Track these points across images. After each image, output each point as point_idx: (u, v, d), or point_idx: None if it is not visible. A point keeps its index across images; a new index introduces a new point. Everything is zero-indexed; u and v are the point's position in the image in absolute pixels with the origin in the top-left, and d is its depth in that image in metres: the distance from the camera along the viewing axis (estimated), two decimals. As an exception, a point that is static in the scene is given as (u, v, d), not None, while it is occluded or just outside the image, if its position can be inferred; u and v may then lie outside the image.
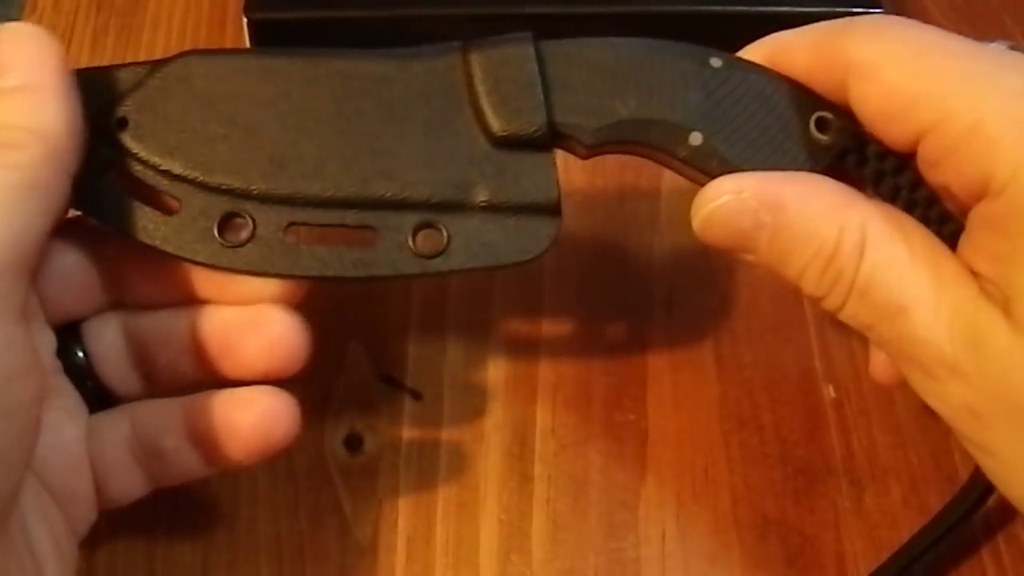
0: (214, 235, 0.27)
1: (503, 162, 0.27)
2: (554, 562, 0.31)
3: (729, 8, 0.38)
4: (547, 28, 0.38)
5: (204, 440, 0.27)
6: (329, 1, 0.38)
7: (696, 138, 0.27)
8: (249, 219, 0.27)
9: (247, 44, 0.38)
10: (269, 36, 0.38)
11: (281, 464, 0.33)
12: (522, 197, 0.27)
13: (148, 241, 0.27)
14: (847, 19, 0.27)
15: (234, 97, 0.27)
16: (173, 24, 0.44)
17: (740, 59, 0.28)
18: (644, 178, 0.30)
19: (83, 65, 0.27)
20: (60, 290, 0.27)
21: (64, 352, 0.28)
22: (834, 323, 0.35)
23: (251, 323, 0.28)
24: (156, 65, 0.27)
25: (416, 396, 0.34)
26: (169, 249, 0.27)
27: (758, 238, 0.26)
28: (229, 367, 0.28)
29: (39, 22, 0.43)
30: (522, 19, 0.38)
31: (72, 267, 0.28)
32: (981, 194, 0.24)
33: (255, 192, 0.27)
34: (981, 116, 0.24)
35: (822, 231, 0.26)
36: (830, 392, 0.35)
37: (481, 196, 0.27)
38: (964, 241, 0.26)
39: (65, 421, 0.27)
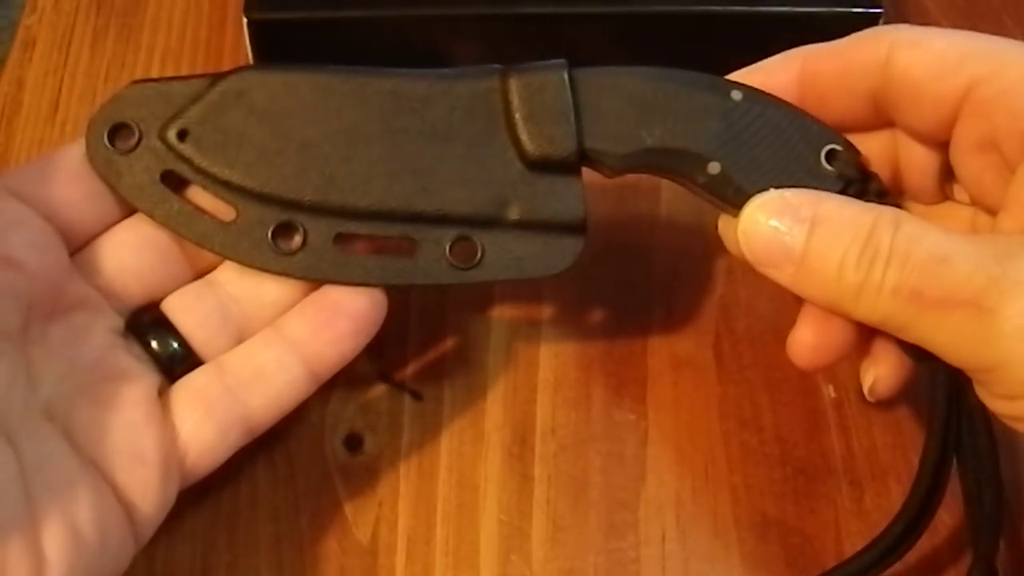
0: (268, 243, 0.29)
1: (535, 182, 0.29)
2: (554, 562, 0.31)
3: (729, 8, 0.38)
4: (547, 28, 0.38)
5: (305, 345, 0.29)
6: (329, 1, 0.38)
7: (714, 167, 0.29)
8: (301, 229, 0.29)
9: (247, 44, 0.38)
10: (269, 36, 0.38)
11: (281, 464, 0.33)
12: (552, 215, 0.29)
13: (206, 246, 0.29)
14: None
15: (289, 113, 0.29)
16: (173, 24, 0.44)
17: (759, 92, 0.29)
18: (644, 178, 0.30)
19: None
20: (130, 276, 0.29)
21: (142, 331, 0.29)
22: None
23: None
24: (215, 79, 0.29)
25: (416, 396, 0.34)
26: (226, 254, 0.29)
27: (798, 236, 0.27)
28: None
29: (39, 22, 0.44)
30: (522, 19, 0.38)
31: (141, 253, 0.29)
32: None
33: (307, 203, 0.29)
34: None
35: (859, 219, 0.26)
36: (830, 392, 0.35)
37: (514, 213, 0.29)
38: (1010, 197, 0.27)
39: (126, 393, 0.27)
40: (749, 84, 0.29)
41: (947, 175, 0.30)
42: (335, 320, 0.29)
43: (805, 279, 0.27)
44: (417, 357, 0.35)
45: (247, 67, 0.29)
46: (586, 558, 0.32)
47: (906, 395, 0.34)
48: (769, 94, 0.29)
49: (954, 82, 0.27)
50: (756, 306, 0.36)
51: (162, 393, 0.28)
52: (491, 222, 0.29)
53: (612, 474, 0.33)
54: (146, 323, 0.29)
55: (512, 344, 0.36)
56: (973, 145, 0.28)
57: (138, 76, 0.42)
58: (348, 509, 0.32)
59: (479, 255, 0.29)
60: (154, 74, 0.42)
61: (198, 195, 0.29)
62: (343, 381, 0.34)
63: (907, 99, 0.28)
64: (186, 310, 0.29)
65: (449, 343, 0.35)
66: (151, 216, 0.29)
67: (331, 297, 0.29)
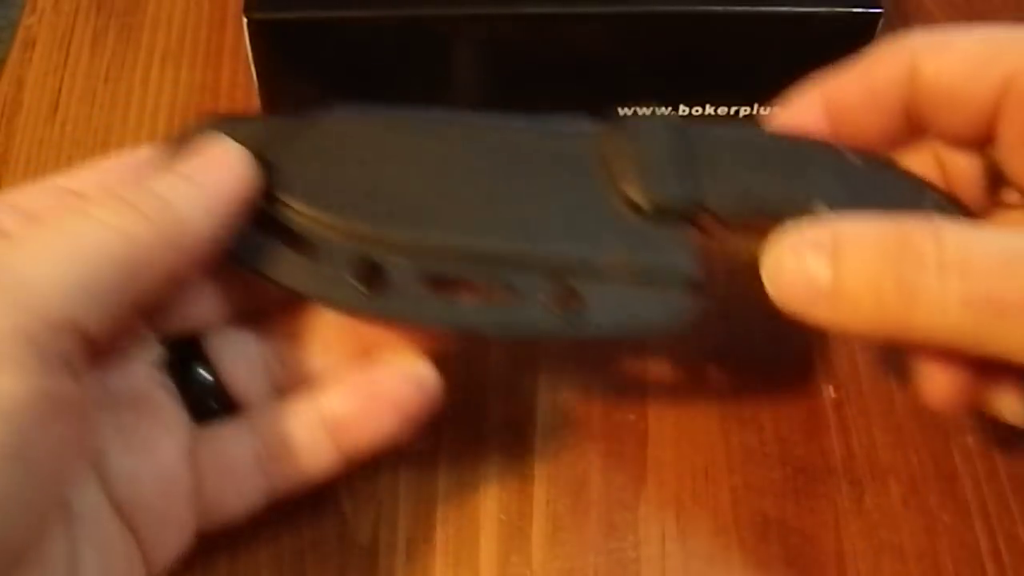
0: (352, 282, 0.27)
1: (645, 233, 0.28)
2: (554, 562, 0.31)
3: (729, 8, 0.37)
4: (547, 28, 0.38)
5: (342, 427, 0.27)
6: (329, 1, 0.38)
7: (820, 207, 0.27)
8: (388, 268, 0.27)
9: (247, 44, 0.38)
10: (269, 36, 0.38)
11: (281, 464, 0.33)
12: (662, 267, 0.28)
13: (288, 284, 0.27)
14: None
15: (382, 156, 0.28)
16: (173, 24, 0.44)
17: (876, 156, 0.29)
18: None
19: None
20: (174, 304, 0.27)
21: (177, 366, 0.28)
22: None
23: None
24: (308, 119, 0.28)
25: (416, 396, 0.34)
26: (308, 293, 0.28)
27: (822, 267, 0.25)
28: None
29: (39, 22, 0.44)
30: (522, 19, 0.38)
31: (189, 285, 0.27)
32: None
33: (394, 242, 0.27)
34: None
35: (882, 233, 0.24)
36: (830, 392, 0.35)
37: (621, 263, 0.27)
38: None
39: (161, 435, 0.26)
40: (776, 131, 0.29)
41: (994, 180, 0.29)
42: (377, 404, 0.28)
43: (842, 311, 0.25)
44: (417, 357, 0.35)
45: (343, 107, 0.29)
46: (586, 558, 0.32)
47: (906, 395, 0.34)
48: (885, 158, 0.29)
49: (989, 79, 0.26)
50: (756, 306, 0.36)
51: (192, 440, 0.27)
52: (595, 272, 0.27)
53: (612, 474, 0.33)
54: (186, 355, 0.28)
55: (512, 344, 0.35)
56: (1021, 138, 0.26)
57: (138, 76, 0.42)
58: (348, 509, 0.32)
59: (583, 307, 0.27)
60: (154, 74, 0.42)
61: (283, 232, 0.28)
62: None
63: (941, 105, 0.27)
64: (226, 350, 0.28)
65: (449, 343, 0.35)
66: (230, 252, 0.27)
67: (376, 377, 0.28)
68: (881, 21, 0.37)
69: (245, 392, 0.29)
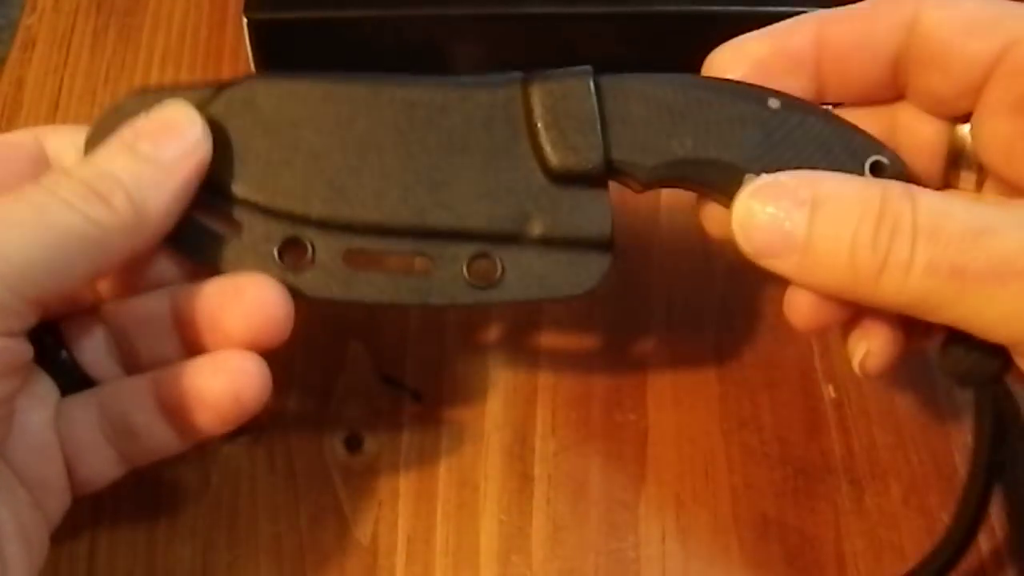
0: (275, 259, 0.27)
1: (559, 196, 0.28)
2: (554, 562, 0.31)
3: (729, 8, 0.37)
4: (547, 28, 0.38)
5: (175, 412, 0.27)
6: (329, 1, 0.38)
7: (750, 179, 0.27)
8: (309, 245, 0.28)
9: (247, 44, 0.38)
10: (269, 36, 0.38)
11: (281, 464, 0.33)
12: (576, 232, 0.28)
13: (210, 263, 0.27)
14: None
15: (297, 122, 0.28)
16: (173, 24, 0.44)
17: (798, 100, 0.28)
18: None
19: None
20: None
21: (41, 344, 0.28)
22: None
23: (232, 290, 0.27)
24: (220, 87, 0.28)
25: (416, 396, 0.34)
26: (230, 271, 0.27)
27: (799, 220, 0.25)
28: (212, 341, 0.28)
29: (39, 22, 0.44)
30: (522, 19, 0.38)
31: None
32: None
33: (316, 218, 0.27)
34: None
35: (865, 194, 0.25)
36: (830, 392, 0.35)
37: (536, 229, 0.28)
38: None
39: (34, 406, 0.27)
40: (761, 50, 0.28)
41: (953, 159, 0.29)
42: (206, 394, 0.27)
43: (812, 266, 0.25)
44: (417, 357, 0.35)
45: (253, 75, 0.28)
46: (586, 558, 0.32)
47: (906, 395, 0.34)
48: (809, 103, 0.28)
49: (989, 41, 0.26)
50: (756, 306, 0.36)
51: (57, 412, 0.28)
52: (511, 238, 0.28)
53: (612, 474, 0.33)
54: (45, 334, 0.28)
55: (512, 344, 0.36)
56: (1006, 108, 0.26)
57: (138, 76, 0.42)
58: (348, 509, 0.32)
59: (499, 273, 0.28)
60: (154, 74, 0.42)
61: (200, 209, 0.28)
62: (343, 381, 0.34)
63: (934, 59, 0.27)
64: (83, 332, 0.29)
65: (449, 343, 0.35)
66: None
67: (205, 369, 0.27)
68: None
69: (97, 371, 0.29)
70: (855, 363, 0.28)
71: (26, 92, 0.41)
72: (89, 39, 0.43)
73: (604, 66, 0.28)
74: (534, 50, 0.39)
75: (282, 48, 0.38)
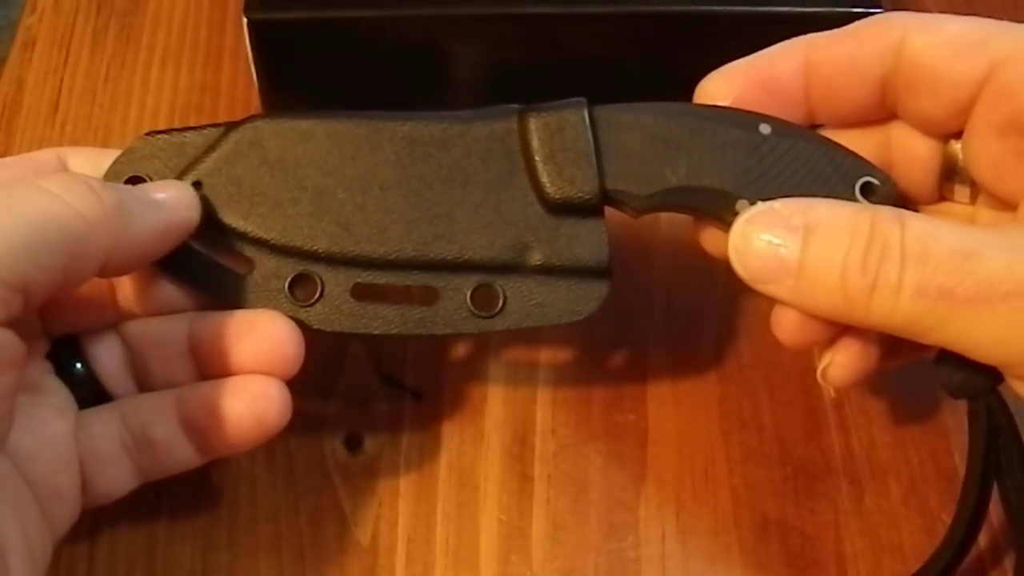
0: (286, 294, 0.28)
1: (557, 226, 0.29)
2: (554, 562, 0.31)
3: (729, 8, 0.37)
4: (547, 28, 0.38)
5: (196, 429, 0.28)
6: (329, 1, 0.38)
7: (743, 205, 0.28)
8: (318, 280, 0.29)
9: (247, 44, 0.38)
10: (269, 36, 0.38)
11: (281, 464, 0.33)
12: (574, 260, 0.29)
13: (223, 299, 0.29)
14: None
15: (303, 161, 0.29)
16: (173, 24, 0.44)
17: (789, 124, 0.28)
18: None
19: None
20: (61, 310, 0.28)
21: (60, 359, 0.29)
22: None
23: (246, 325, 0.28)
24: (228, 128, 0.29)
25: (416, 396, 0.34)
26: (243, 307, 0.28)
27: (793, 246, 0.26)
28: (224, 370, 0.28)
29: (39, 22, 0.44)
30: (522, 19, 0.38)
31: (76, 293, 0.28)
32: None
33: (324, 254, 0.28)
34: None
35: (855, 219, 0.25)
36: (830, 392, 0.35)
37: (536, 259, 0.29)
38: None
39: (53, 417, 0.27)
40: (749, 76, 0.29)
41: (947, 173, 0.29)
42: (228, 415, 0.28)
43: (806, 290, 0.26)
44: (417, 357, 0.35)
45: (259, 116, 0.29)
46: (586, 558, 0.32)
47: (906, 395, 0.34)
48: (800, 126, 0.28)
49: (975, 62, 0.26)
50: (756, 306, 0.36)
51: (76, 424, 0.28)
52: (512, 268, 0.29)
53: (612, 474, 0.33)
54: (65, 349, 0.29)
55: (512, 344, 0.36)
56: (994, 128, 0.27)
57: (138, 76, 0.42)
58: (348, 509, 0.32)
59: (501, 302, 0.29)
60: (154, 74, 0.42)
61: (212, 246, 0.29)
62: (343, 381, 0.34)
63: (922, 82, 0.27)
64: (102, 348, 0.29)
65: (449, 343, 0.35)
66: (165, 268, 0.28)
67: (227, 390, 0.28)
68: (881, 21, 0.37)
69: (113, 386, 0.29)
70: (818, 371, 0.29)
71: (26, 92, 0.41)
72: (89, 39, 0.43)
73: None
74: (534, 50, 0.39)
75: (282, 48, 0.38)
